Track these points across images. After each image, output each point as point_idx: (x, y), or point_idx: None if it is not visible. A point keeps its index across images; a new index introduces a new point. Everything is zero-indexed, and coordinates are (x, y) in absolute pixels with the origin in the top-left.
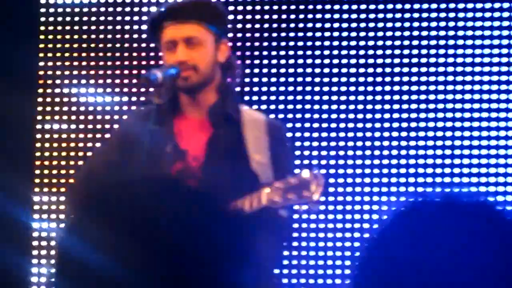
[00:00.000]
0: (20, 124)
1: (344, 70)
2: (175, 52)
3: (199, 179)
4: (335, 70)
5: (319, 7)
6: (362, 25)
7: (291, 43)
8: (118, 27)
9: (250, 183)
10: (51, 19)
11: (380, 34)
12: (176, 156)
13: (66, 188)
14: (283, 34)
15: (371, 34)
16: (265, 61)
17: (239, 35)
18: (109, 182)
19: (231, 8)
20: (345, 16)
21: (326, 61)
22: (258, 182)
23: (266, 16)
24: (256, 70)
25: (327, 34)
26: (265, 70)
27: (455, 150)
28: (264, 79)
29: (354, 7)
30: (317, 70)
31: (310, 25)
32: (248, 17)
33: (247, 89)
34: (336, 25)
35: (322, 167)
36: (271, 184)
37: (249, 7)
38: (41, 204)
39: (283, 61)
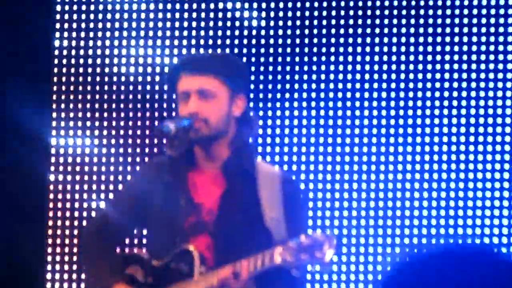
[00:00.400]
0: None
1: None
2: (188, 103)
3: (213, 234)
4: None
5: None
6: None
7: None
8: (131, 78)
9: (263, 240)
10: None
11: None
12: (190, 209)
13: (79, 236)
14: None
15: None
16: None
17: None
18: None
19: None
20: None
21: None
22: (271, 239)
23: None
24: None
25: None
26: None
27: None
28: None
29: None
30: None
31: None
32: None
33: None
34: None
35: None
36: (285, 243)
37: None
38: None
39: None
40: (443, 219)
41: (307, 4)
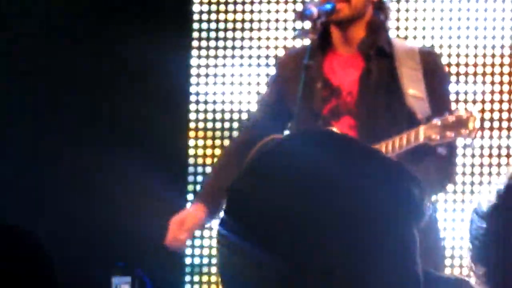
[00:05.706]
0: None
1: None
2: None
3: (355, 115)
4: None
5: None
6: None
7: None
8: (270, 33)
9: (405, 119)
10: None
11: None
12: (330, 93)
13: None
14: None
15: None
16: None
17: None
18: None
19: None
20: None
21: None
22: (414, 117)
23: None
24: None
25: None
26: None
27: None
28: None
29: None
30: None
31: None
32: None
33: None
34: None
35: None
36: (429, 121)
37: None
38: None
39: None
40: None
41: None
